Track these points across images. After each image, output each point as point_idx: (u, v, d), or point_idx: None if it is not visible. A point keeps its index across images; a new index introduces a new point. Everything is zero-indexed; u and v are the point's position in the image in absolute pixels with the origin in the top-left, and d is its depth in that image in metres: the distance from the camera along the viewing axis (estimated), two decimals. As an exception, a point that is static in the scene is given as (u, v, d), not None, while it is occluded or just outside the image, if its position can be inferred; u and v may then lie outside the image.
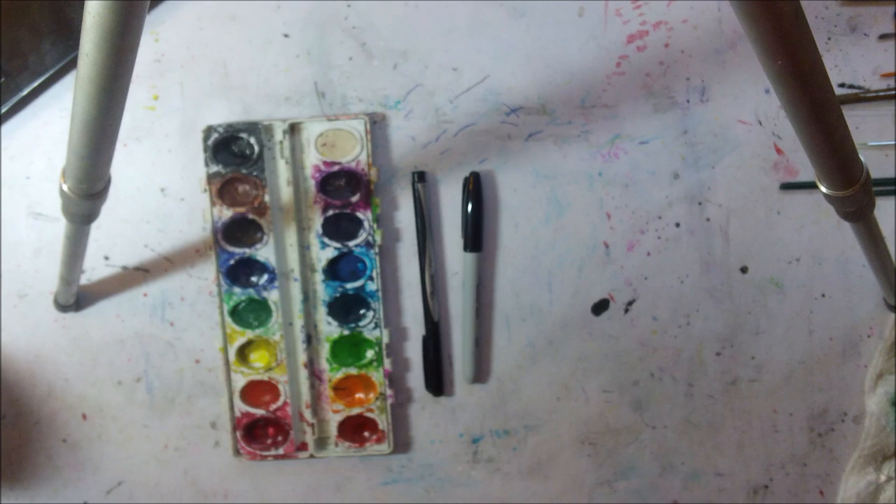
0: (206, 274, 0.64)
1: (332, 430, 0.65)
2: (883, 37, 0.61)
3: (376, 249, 0.63)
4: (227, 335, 0.64)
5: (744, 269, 0.64)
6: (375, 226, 0.62)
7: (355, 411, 0.65)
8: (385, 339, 0.64)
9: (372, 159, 0.62)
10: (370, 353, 0.64)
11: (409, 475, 0.67)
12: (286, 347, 0.64)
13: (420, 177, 0.63)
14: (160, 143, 0.63)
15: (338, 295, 0.63)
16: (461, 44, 0.62)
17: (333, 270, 0.64)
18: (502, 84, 0.62)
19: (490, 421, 0.66)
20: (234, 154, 0.62)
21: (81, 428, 0.66)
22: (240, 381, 0.64)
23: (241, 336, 0.64)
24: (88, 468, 0.66)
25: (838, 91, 0.62)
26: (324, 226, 0.63)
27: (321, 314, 0.64)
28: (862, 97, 0.61)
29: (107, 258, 0.64)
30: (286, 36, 0.62)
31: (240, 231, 0.63)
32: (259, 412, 0.64)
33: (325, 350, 0.64)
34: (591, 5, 0.62)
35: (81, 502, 0.67)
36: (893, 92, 0.61)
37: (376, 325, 0.64)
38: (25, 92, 0.61)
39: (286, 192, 0.62)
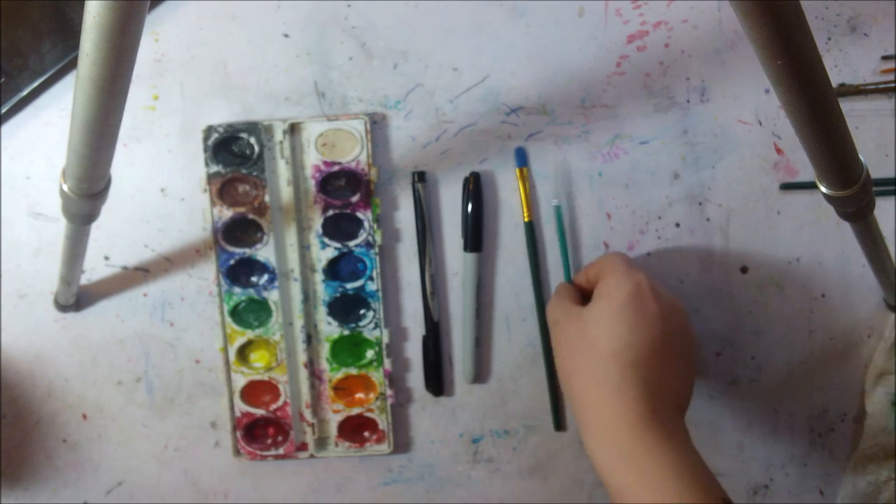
0: (206, 274, 0.64)
1: (332, 430, 0.65)
2: (885, 58, 0.61)
3: (376, 249, 0.63)
4: (227, 335, 0.64)
5: (744, 269, 0.64)
6: (375, 226, 0.62)
7: (355, 411, 0.65)
8: (385, 339, 0.64)
9: (372, 159, 0.62)
10: (370, 353, 0.64)
11: (409, 475, 0.67)
12: (286, 347, 0.64)
13: (420, 177, 0.63)
14: (160, 143, 0.63)
15: (338, 295, 0.63)
16: (461, 44, 0.62)
17: (333, 270, 0.64)
18: (502, 84, 0.62)
19: (490, 421, 0.66)
20: (234, 154, 0.62)
21: (81, 428, 0.66)
22: (240, 381, 0.64)
23: (241, 336, 0.64)
24: (88, 468, 0.66)
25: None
26: (324, 226, 0.63)
27: (321, 314, 0.64)
28: (861, 89, 0.61)
29: (107, 258, 0.64)
30: (286, 36, 0.62)
31: (240, 231, 0.63)
32: (259, 412, 0.64)
33: (325, 350, 0.64)
34: (591, 5, 0.62)
35: (81, 502, 0.67)
36: (893, 84, 0.61)
37: (376, 325, 0.64)
38: (25, 92, 0.61)
39: (286, 192, 0.62)
